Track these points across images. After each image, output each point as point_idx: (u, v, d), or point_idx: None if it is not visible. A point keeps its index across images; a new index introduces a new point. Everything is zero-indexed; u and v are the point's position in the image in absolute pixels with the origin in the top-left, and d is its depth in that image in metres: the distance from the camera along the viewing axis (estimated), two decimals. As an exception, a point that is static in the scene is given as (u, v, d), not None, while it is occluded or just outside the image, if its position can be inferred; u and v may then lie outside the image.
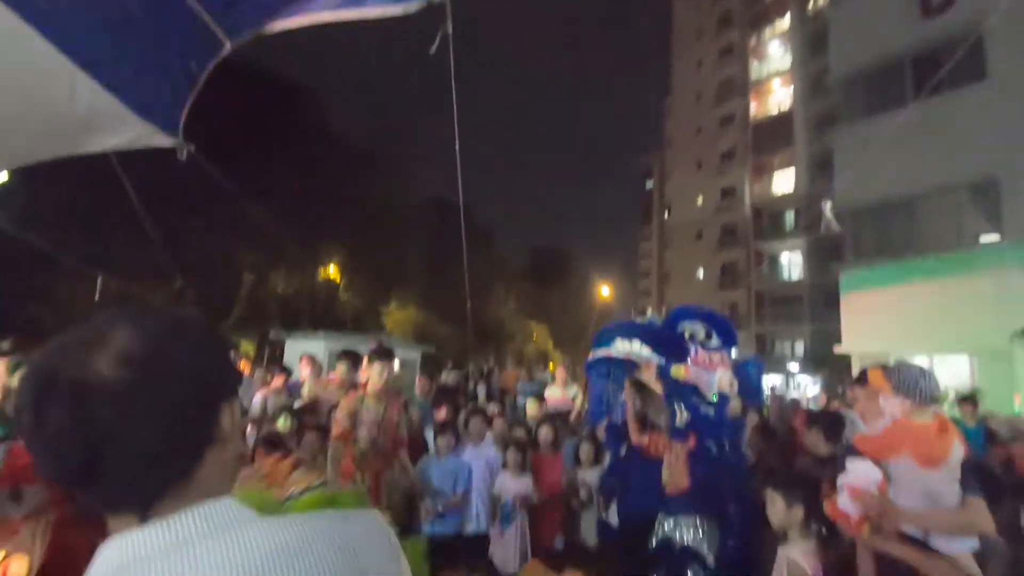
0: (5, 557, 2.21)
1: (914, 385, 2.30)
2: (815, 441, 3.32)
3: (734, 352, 3.43)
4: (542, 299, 34.44)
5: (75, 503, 2.46)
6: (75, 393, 0.58)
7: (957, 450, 2.22)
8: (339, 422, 3.53)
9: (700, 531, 2.84)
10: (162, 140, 3.99)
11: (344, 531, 0.65)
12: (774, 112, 32.99)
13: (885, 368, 2.44)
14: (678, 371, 3.13)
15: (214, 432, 0.65)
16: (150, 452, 0.60)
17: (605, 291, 32.67)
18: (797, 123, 30.89)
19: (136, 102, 3.47)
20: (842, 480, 2.17)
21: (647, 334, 3.26)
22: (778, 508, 2.12)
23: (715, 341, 3.28)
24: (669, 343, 3.22)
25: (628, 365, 3.38)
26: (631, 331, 3.29)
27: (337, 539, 0.63)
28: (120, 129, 3.75)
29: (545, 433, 4.24)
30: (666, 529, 2.93)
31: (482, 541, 3.82)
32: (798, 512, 2.09)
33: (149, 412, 0.59)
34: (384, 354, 3.70)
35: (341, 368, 4.55)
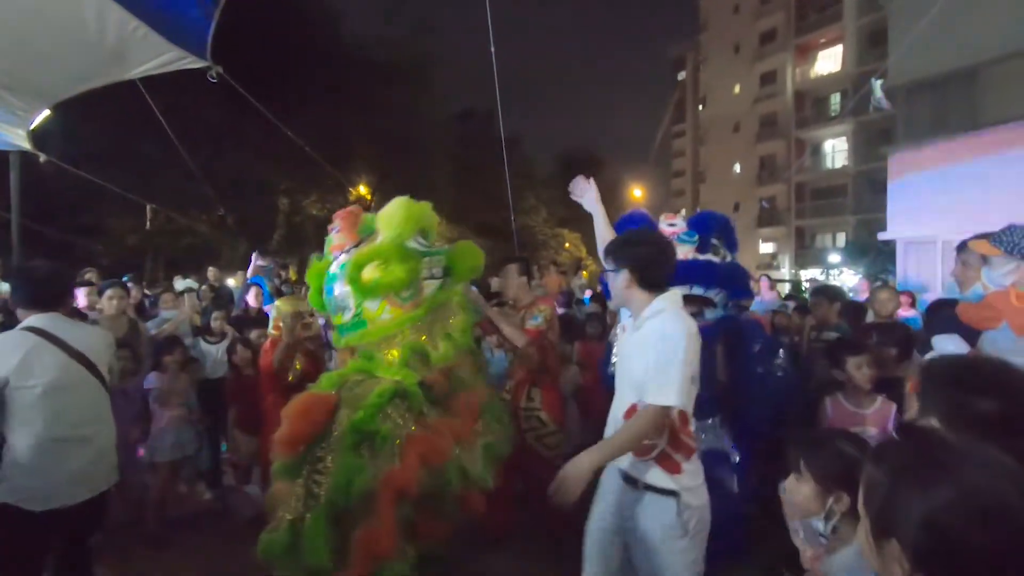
0: None
1: None
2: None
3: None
4: (573, 206, 33.85)
5: None
6: None
7: None
8: None
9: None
10: (191, 63, 4.01)
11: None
12: (821, -20, 29.84)
13: (990, 235, 2.28)
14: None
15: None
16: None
17: (637, 193, 31.91)
18: (847, -9, 27.95)
19: (164, 26, 3.46)
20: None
21: (704, 272, 2.94)
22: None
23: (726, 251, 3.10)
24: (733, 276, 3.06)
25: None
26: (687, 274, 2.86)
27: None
28: (150, 55, 3.77)
29: (594, 326, 4.53)
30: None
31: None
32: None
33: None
34: None
35: None
